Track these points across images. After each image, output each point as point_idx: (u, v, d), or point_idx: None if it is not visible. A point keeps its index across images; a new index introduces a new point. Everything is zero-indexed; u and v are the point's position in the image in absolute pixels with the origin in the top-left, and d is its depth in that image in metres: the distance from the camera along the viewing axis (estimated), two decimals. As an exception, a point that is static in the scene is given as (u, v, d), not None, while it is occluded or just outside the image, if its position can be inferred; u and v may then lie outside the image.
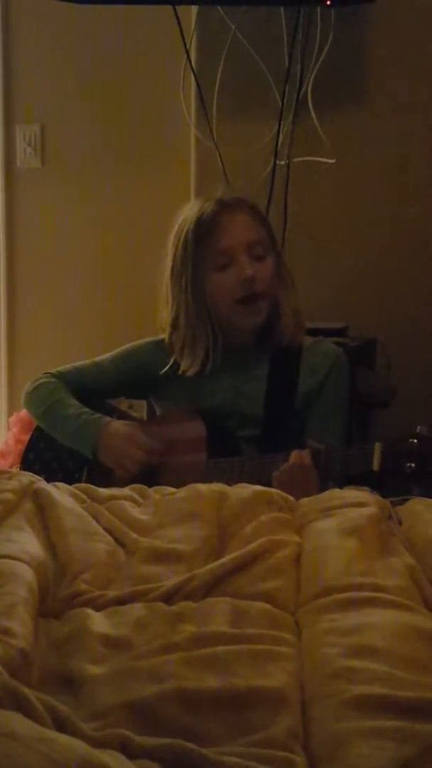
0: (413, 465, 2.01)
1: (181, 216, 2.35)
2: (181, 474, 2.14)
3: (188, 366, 2.33)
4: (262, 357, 2.37)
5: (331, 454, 2.13)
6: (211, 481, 1.79)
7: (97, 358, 2.46)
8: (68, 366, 2.45)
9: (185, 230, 2.31)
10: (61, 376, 2.41)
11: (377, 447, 2.05)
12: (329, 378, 2.35)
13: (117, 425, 2.31)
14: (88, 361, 2.46)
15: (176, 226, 2.34)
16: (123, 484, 2.13)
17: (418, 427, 2.04)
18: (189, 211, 2.33)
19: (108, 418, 2.33)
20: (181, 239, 2.31)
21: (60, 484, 1.74)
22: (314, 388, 2.34)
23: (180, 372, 2.34)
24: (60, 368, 2.44)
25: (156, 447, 2.28)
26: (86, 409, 2.34)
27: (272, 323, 2.34)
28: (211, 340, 2.31)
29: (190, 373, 2.33)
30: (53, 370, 2.43)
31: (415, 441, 2.02)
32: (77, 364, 2.46)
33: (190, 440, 2.28)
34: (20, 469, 2.36)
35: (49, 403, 2.37)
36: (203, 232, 2.29)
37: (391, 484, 2.02)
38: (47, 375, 2.42)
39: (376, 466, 2.04)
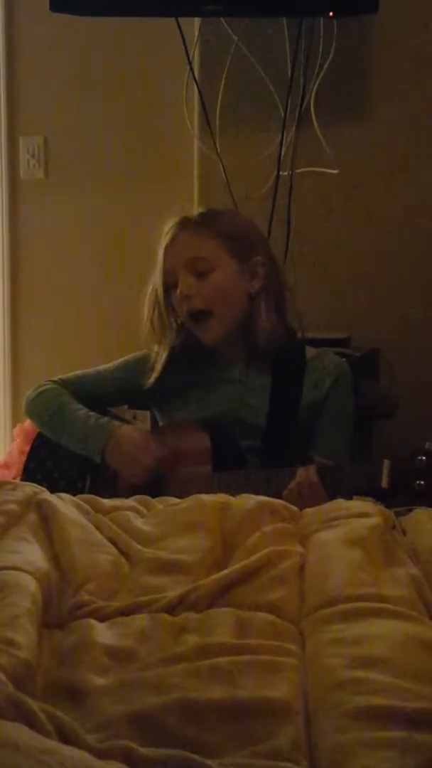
0: (422, 482, 1.98)
1: None
2: (185, 485, 2.13)
3: (147, 379, 2.36)
4: (264, 368, 2.36)
5: (339, 470, 2.12)
6: (215, 493, 1.78)
7: (101, 367, 2.47)
8: (70, 374, 2.46)
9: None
10: (63, 383, 2.42)
11: (386, 464, 2.02)
12: (333, 391, 2.33)
13: (129, 430, 2.31)
14: (90, 369, 2.47)
15: None
16: (127, 491, 2.14)
17: (427, 444, 2.02)
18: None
19: (119, 423, 2.33)
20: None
21: (64, 495, 1.74)
22: (318, 401, 2.32)
23: (145, 386, 2.36)
24: (62, 376, 2.45)
25: (166, 456, 2.27)
26: (94, 414, 2.34)
27: (246, 332, 2.33)
28: (164, 357, 2.34)
29: (146, 386, 2.36)
30: (55, 378, 2.44)
31: (425, 458, 2.00)
32: (79, 372, 2.47)
33: (195, 452, 2.27)
34: (22, 479, 2.36)
35: (55, 408, 2.37)
36: (160, 252, 2.32)
37: (400, 502, 1.98)
38: (50, 382, 2.43)
39: (385, 483, 2.02)
